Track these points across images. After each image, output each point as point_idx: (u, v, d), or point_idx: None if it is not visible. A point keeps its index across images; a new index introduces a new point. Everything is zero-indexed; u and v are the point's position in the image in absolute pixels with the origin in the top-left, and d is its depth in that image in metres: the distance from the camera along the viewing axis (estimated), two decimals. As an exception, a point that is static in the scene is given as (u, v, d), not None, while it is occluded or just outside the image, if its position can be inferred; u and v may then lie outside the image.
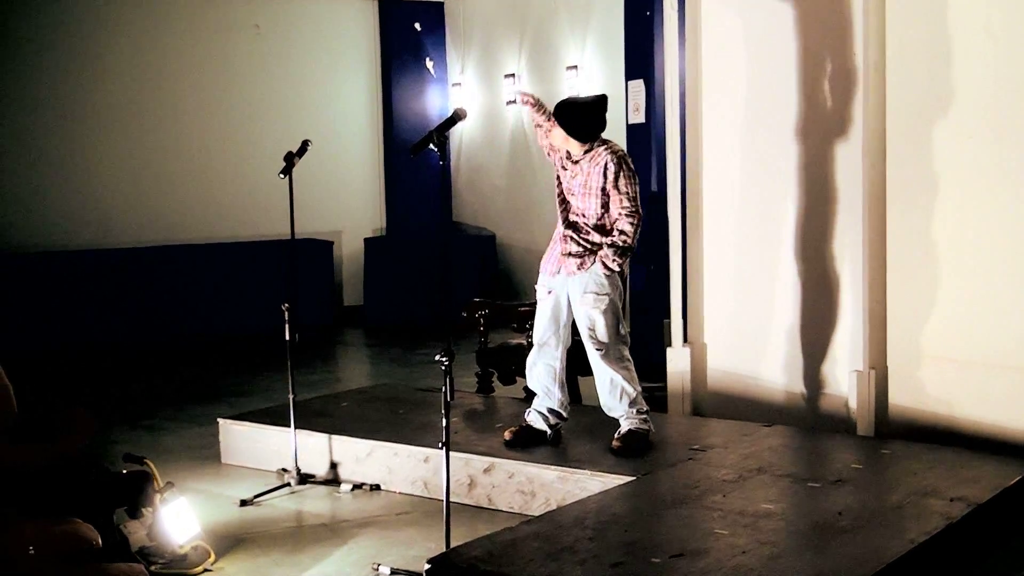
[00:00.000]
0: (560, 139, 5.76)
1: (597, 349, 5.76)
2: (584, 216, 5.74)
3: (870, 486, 5.18)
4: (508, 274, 12.64)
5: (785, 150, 6.63)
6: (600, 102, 5.81)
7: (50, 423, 4.73)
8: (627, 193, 5.68)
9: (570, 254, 5.74)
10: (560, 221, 5.85)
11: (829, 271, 6.48)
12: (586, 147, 5.74)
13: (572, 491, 5.42)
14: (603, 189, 5.68)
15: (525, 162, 12.19)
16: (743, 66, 6.85)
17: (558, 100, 5.86)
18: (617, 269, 5.71)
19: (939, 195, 6.02)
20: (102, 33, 12.06)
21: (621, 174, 5.68)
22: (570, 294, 5.80)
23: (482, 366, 7.41)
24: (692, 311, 7.14)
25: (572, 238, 5.75)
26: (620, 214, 5.68)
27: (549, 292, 5.86)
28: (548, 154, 5.96)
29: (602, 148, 5.73)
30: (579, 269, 5.72)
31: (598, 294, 5.71)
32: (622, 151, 5.78)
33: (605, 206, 5.70)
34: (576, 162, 5.77)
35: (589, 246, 5.72)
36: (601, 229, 5.73)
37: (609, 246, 5.68)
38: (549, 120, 5.82)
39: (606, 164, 5.67)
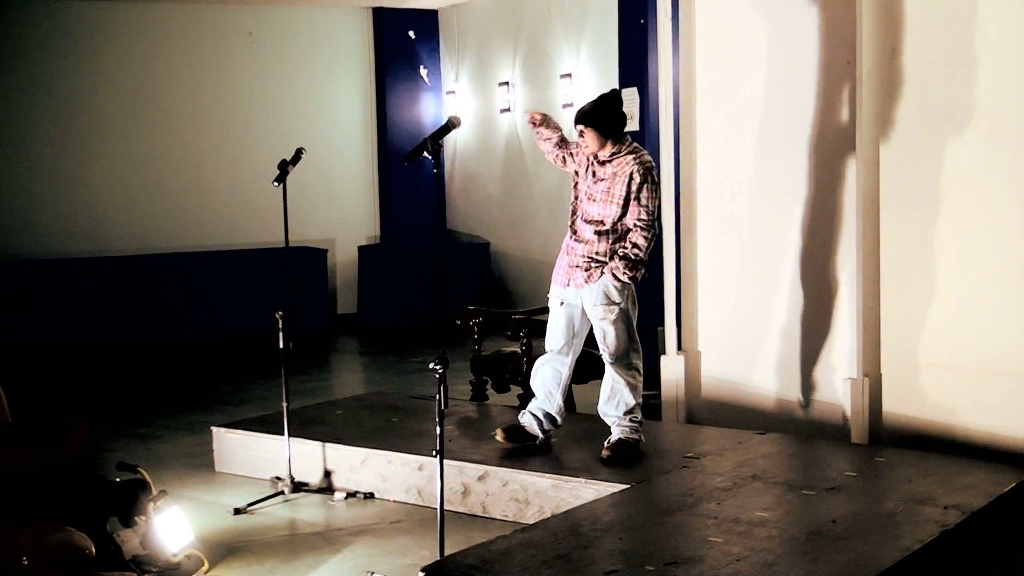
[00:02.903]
0: (594, 143, 5.70)
1: (609, 357, 5.78)
2: (599, 223, 5.69)
3: (864, 493, 5.18)
4: (502, 282, 12.64)
5: (779, 158, 6.64)
6: (616, 96, 5.84)
7: (45, 430, 4.73)
8: (647, 206, 5.65)
9: (577, 267, 5.74)
10: (570, 230, 5.82)
11: (823, 278, 6.48)
12: (615, 148, 5.71)
13: (566, 499, 5.42)
14: (625, 198, 5.65)
15: (519, 170, 12.20)
16: (737, 74, 6.86)
17: (579, 109, 5.82)
18: (628, 281, 5.67)
19: (933, 202, 6.03)
20: (96, 41, 12.07)
21: (645, 186, 5.65)
22: (584, 305, 5.81)
23: (476, 374, 7.40)
24: (686, 319, 7.15)
25: (578, 252, 5.73)
26: (636, 226, 5.64)
27: (561, 303, 5.86)
28: (563, 161, 5.90)
29: (631, 156, 5.70)
30: (587, 282, 5.71)
31: (608, 305, 5.69)
32: (650, 161, 5.73)
33: (623, 214, 5.69)
34: (603, 163, 5.73)
35: (596, 257, 5.71)
36: (613, 239, 5.69)
37: (621, 258, 5.64)
38: (558, 131, 5.88)
39: (632, 174, 5.64)
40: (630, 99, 8.94)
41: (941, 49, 5.96)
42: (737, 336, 6.92)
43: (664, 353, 7.17)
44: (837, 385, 6.40)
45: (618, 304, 5.70)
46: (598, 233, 5.70)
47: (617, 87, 5.94)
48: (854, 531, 4.60)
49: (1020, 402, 5.73)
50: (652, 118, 8.52)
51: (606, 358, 5.80)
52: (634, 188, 5.63)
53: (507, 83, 12.15)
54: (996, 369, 5.82)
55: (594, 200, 5.73)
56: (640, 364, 5.86)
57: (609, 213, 5.68)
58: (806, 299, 6.57)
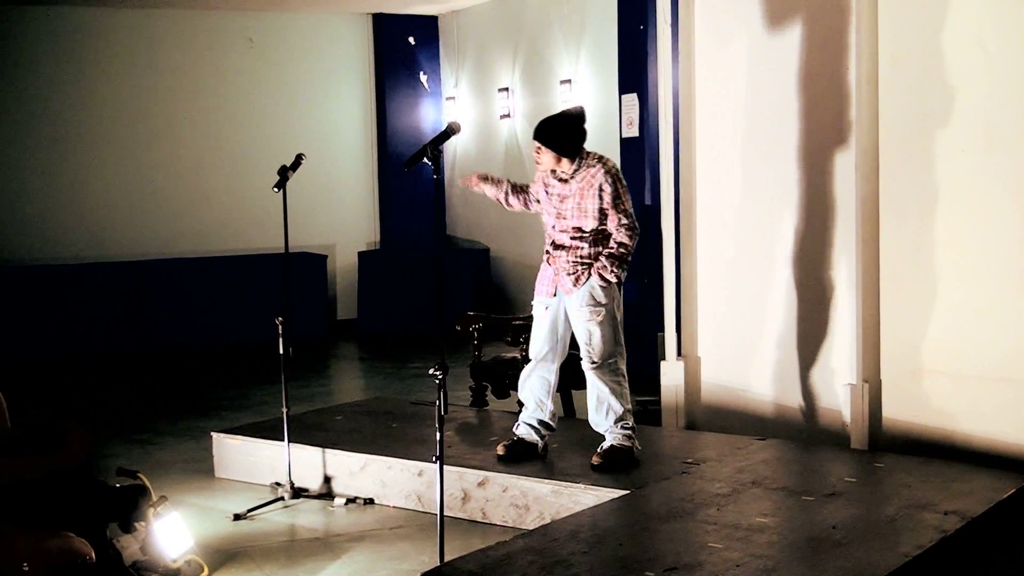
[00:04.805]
0: (550, 162, 5.70)
1: (592, 362, 5.74)
2: (578, 232, 5.70)
3: (864, 499, 5.18)
4: (501, 287, 12.64)
5: (778, 163, 6.64)
6: (580, 114, 5.78)
7: (44, 436, 4.73)
8: (625, 211, 5.65)
9: (564, 272, 5.73)
10: (548, 242, 5.83)
11: (823, 284, 6.49)
12: (575, 164, 5.70)
13: (566, 505, 5.42)
14: (600, 210, 5.64)
15: (519, 175, 12.11)
16: (737, 79, 6.86)
17: (545, 116, 5.86)
18: (614, 280, 5.66)
19: (932, 208, 6.03)
20: (95, 48, 12.09)
21: (618, 192, 5.65)
22: (568, 309, 5.78)
23: (476, 380, 7.40)
24: (686, 324, 7.14)
25: (563, 259, 5.72)
26: (619, 228, 5.64)
27: (546, 308, 5.85)
28: (528, 204, 5.95)
29: (594, 167, 5.67)
30: (575, 285, 5.69)
31: (595, 306, 5.68)
32: (614, 166, 5.72)
33: (602, 223, 5.69)
34: (565, 181, 5.72)
35: (582, 260, 5.71)
36: (595, 241, 5.71)
37: (606, 257, 5.64)
38: (501, 181, 5.93)
39: (601, 185, 5.62)
40: (630, 105, 8.96)
41: (938, 56, 5.96)
42: (737, 342, 6.92)
43: (664, 359, 7.17)
44: (837, 391, 6.39)
45: (604, 305, 5.68)
46: (578, 238, 5.70)
47: (582, 107, 5.90)
48: (854, 537, 4.60)
49: (1020, 408, 5.72)
50: (652, 124, 8.54)
51: (588, 364, 5.75)
52: (607, 200, 5.63)
53: (507, 89, 12.16)
54: (996, 375, 5.82)
55: (564, 218, 5.72)
56: (624, 368, 5.83)
57: (585, 224, 5.68)
58: (805, 305, 6.57)
